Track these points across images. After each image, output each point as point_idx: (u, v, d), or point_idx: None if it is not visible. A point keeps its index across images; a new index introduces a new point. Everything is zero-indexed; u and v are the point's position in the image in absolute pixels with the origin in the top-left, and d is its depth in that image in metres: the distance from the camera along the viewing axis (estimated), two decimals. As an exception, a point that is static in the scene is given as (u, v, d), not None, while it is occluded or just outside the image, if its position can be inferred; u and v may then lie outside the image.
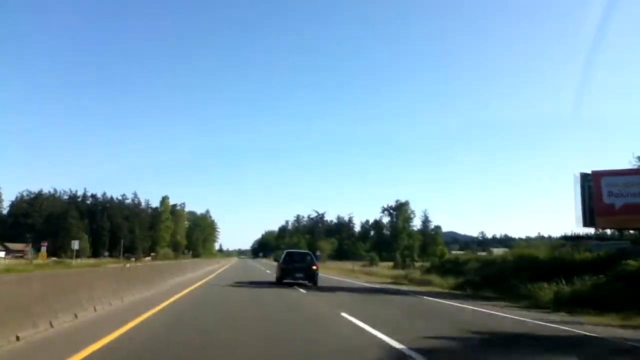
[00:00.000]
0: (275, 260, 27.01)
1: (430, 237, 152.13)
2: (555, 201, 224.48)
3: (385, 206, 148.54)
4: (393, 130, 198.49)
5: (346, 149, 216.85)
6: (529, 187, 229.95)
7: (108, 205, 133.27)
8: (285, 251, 24.23)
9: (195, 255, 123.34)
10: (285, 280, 20.96)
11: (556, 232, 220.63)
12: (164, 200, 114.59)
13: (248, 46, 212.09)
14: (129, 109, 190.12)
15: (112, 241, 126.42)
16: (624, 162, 26.87)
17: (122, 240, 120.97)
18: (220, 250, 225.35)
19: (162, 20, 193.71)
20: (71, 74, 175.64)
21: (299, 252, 24.97)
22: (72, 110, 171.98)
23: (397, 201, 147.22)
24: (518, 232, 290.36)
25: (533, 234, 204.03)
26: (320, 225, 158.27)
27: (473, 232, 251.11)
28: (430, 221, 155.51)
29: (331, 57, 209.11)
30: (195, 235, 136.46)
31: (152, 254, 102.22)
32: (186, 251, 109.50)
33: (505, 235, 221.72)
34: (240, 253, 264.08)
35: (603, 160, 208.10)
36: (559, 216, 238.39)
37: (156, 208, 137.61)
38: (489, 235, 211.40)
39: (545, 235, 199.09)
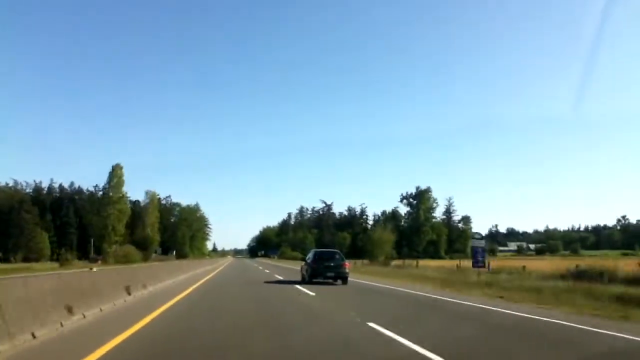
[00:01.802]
0: (304, 260, 24.33)
1: (457, 230, 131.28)
2: (557, 195, 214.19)
3: (405, 194, 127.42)
4: (396, 128, 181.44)
5: (347, 143, 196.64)
6: (532, 182, 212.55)
7: (76, 197, 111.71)
8: (313, 250, 24.53)
9: (182, 255, 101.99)
10: (315, 280, 20.62)
11: (563, 225, 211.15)
12: (115, 171, 76.93)
13: (250, 39, 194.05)
14: (122, 106, 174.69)
15: (81, 240, 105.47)
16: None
17: (92, 239, 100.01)
18: (215, 250, 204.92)
19: (158, 18, 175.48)
20: (69, 71, 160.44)
21: (328, 250, 24.54)
22: (67, 107, 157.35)
23: (417, 188, 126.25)
24: (523, 226, 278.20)
25: (540, 228, 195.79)
26: (327, 218, 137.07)
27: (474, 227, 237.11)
28: (453, 211, 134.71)
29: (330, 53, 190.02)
30: (181, 231, 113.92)
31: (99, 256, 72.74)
32: (159, 249, 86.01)
33: (513, 229, 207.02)
34: (236, 253, 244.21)
35: (602, 159, 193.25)
36: (561, 210, 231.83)
37: (136, 201, 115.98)
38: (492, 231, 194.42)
39: (551, 228, 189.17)
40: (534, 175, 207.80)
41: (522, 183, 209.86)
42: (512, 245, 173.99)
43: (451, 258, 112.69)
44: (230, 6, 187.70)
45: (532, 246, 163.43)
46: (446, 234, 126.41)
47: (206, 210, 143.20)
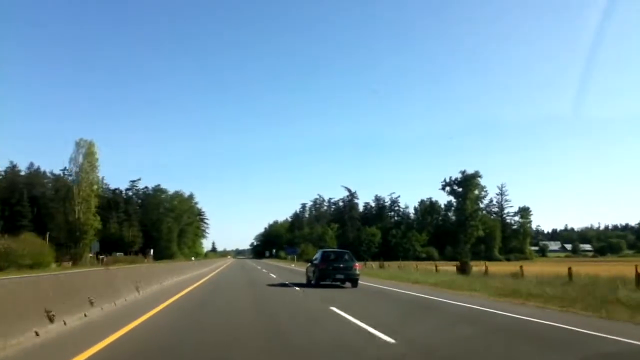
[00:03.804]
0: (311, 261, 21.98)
1: (510, 225, 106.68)
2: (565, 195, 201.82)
3: (447, 180, 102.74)
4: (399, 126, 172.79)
5: (351, 141, 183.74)
6: (540, 181, 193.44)
7: (32, 182, 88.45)
8: (321, 250, 23.05)
9: (166, 255, 78.31)
10: (322, 282, 19.22)
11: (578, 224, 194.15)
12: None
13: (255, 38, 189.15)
14: (123, 105, 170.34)
15: (40, 234, 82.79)
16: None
17: (49, 233, 77.38)
18: (214, 249, 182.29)
19: (159, 17, 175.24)
20: (68, 68, 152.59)
21: (336, 251, 23.74)
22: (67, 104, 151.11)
23: (463, 172, 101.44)
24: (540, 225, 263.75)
25: (558, 227, 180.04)
26: (350, 209, 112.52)
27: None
28: (506, 202, 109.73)
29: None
30: (166, 224, 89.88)
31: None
32: (96, 245, 57.39)
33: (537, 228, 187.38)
34: (238, 253, 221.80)
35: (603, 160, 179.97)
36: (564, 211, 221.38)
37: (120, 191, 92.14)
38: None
39: (559, 229, 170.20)
40: (538, 175, 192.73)
41: (532, 182, 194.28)
42: (553, 245, 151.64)
43: (508, 260, 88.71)
44: (231, 7, 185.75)
45: (587, 246, 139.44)
46: (500, 229, 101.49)
47: (205, 208, 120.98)
